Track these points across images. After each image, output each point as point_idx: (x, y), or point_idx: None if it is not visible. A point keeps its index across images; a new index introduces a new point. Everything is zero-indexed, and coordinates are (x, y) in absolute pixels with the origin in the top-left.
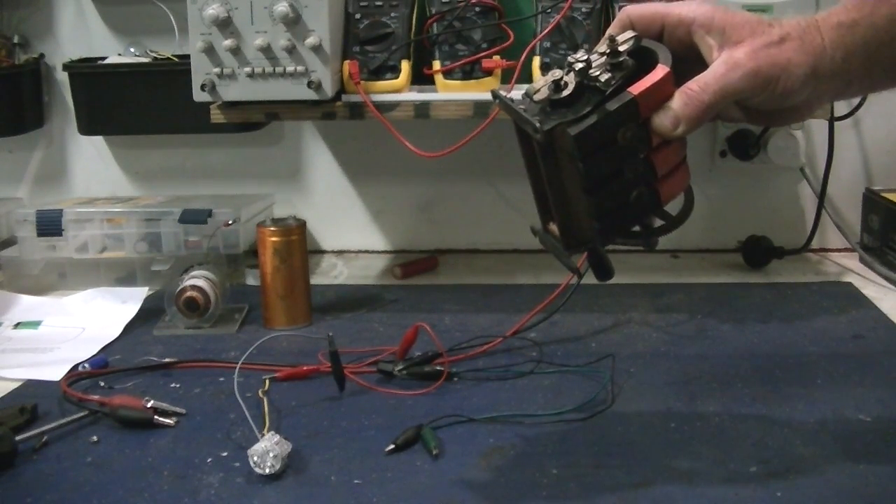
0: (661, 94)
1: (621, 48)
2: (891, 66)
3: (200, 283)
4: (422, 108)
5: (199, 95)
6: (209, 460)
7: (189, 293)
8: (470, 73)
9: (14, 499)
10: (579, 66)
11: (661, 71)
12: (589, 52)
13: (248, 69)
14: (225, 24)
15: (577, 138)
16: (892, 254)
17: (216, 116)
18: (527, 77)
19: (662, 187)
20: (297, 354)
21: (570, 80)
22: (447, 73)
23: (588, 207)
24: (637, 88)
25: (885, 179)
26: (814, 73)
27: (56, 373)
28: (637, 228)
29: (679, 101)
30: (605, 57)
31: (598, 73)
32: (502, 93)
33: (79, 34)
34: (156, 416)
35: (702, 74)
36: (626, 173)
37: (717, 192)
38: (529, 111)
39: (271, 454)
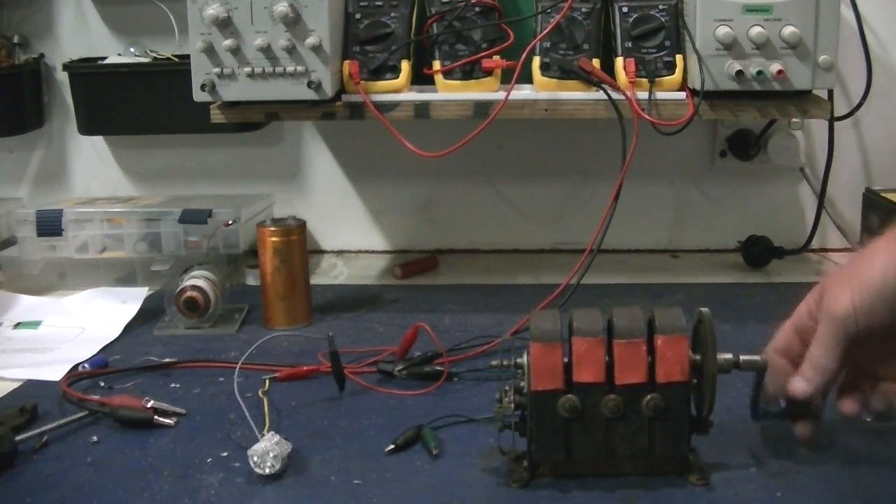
0: None
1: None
2: None
3: (200, 283)
4: (422, 108)
5: (199, 95)
6: (209, 460)
7: (189, 293)
8: (470, 73)
9: (14, 499)
10: None
11: None
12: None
13: (248, 69)
14: (225, 24)
15: None
16: None
17: (216, 116)
18: (527, 77)
19: None
20: (297, 354)
21: None
22: (447, 73)
23: None
24: None
25: (885, 179)
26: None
27: (56, 373)
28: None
29: None
30: None
31: None
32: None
33: (79, 34)
34: (156, 416)
35: None
36: None
37: (717, 192)
38: None
39: (271, 454)
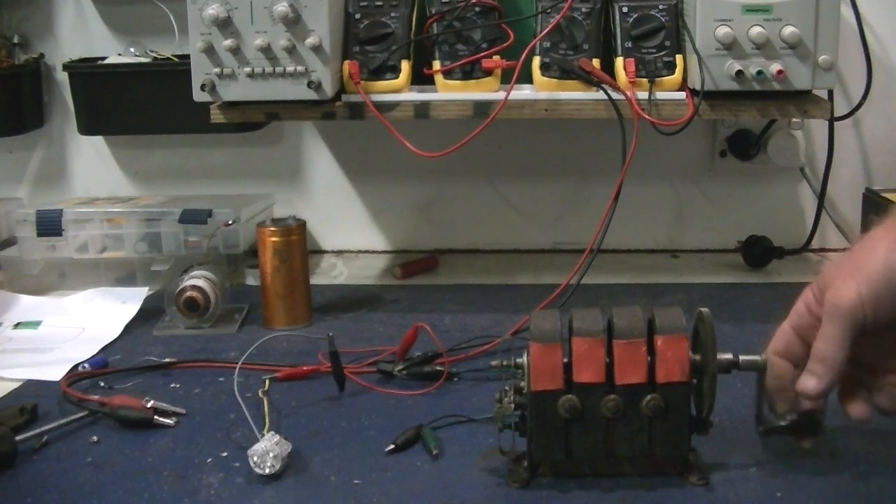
0: None
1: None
2: None
3: (200, 283)
4: (422, 108)
5: (199, 95)
6: (209, 460)
7: (189, 293)
8: (470, 73)
9: (14, 499)
10: None
11: None
12: None
13: (248, 69)
14: (225, 24)
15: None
16: None
17: (216, 116)
18: (527, 77)
19: None
20: (297, 354)
21: None
22: (447, 73)
23: None
24: None
25: (885, 179)
26: None
27: (56, 373)
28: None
29: None
30: None
31: None
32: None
33: (79, 34)
34: (156, 416)
35: None
36: None
37: (717, 192)
38: None
39: (271, 454)
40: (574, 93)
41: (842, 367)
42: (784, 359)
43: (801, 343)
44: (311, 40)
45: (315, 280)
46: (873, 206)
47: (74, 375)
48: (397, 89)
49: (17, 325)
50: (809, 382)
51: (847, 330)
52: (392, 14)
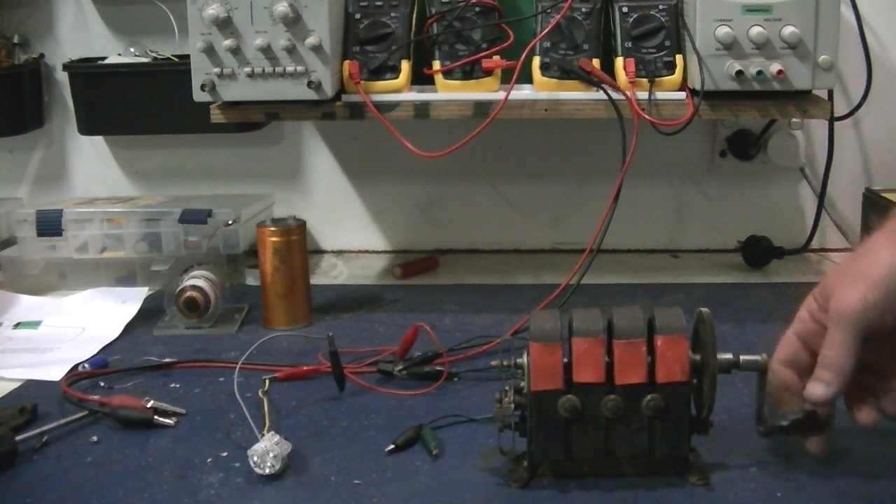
0: None
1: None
2: None
3: (200, 283)
4: (422, 108)
5: (199, 95)
6: (209, 460)
7: (189, 293)
8: (470, 73)
9: (14, 499)
10: None
11: None
12: None
13: (248, 69)
14: (225, 24)
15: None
16: None
17: (216, 116)
18: (527, 77)
19: None
20: (297, 354)
21: None
22: (447, 73)
23: None
24: None
25: (885, 179)
26: None
27: (56, 373)
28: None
29: None
30: None
31: None
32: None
33: (79, 34)
34: (156, 416)
35: None
36: None
37: (717, 192)
38: None
39: (271, 454)
40: (574, 93)
41: (849, 373)
42: (789, 367)
43: (806, 351)
44: (311, 40)
45: (315, 280)
46: (873, 206)
47: (74, 375)
48: (397, 89)
49: (17, 325)
50: (817, 389)
51: (854, 336)
52: (392, 14)
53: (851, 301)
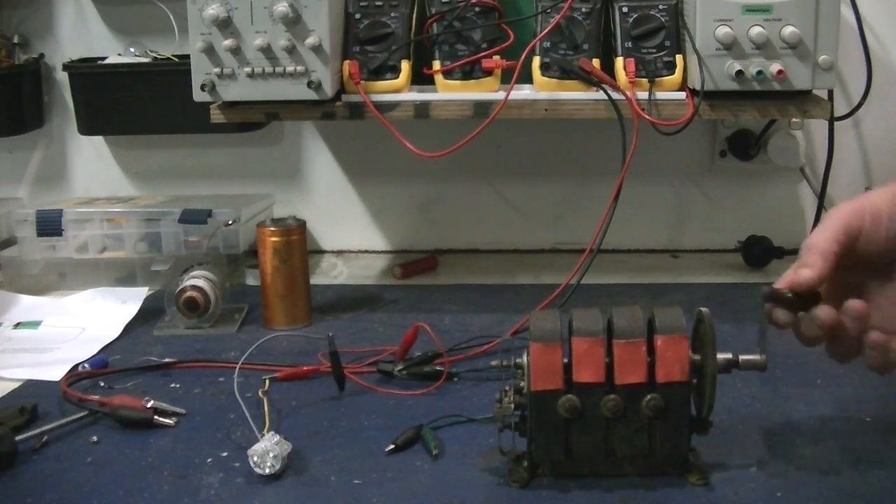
0: None
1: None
2: None
3: (200, 283)
4: (422, 108)
5: (199, 95)
6: (209, 460)
7: (189, 293)
8: (470, 73)
9: (14, 499)
10: None
11: None
12: None
13: (248, 69)
14: (225, 24)
15: None
16: None
17: (216, 116)
18: (527, 77)
19: None
20: (297, 354)
21: None
22: (447, 73)
23: None
24: None
25: (885, 179)
26: None
27: (56, 373)
28: None
29: None
30: None
31: None
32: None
33: (79, 34)
34: (156, 416)
35: None
36: None
37: (717, 192)
38: None
39: (271, 454)
40: (574, 93)
41: (832, 259)
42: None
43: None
44: (311, 40)
45: (315, 280)
46: None
47: (74, 375)
48: (397, 89)
49: (17, 325)
50: (803, 272)
51: (841, 229)
52: (392, 14)
53: (846, 204)
